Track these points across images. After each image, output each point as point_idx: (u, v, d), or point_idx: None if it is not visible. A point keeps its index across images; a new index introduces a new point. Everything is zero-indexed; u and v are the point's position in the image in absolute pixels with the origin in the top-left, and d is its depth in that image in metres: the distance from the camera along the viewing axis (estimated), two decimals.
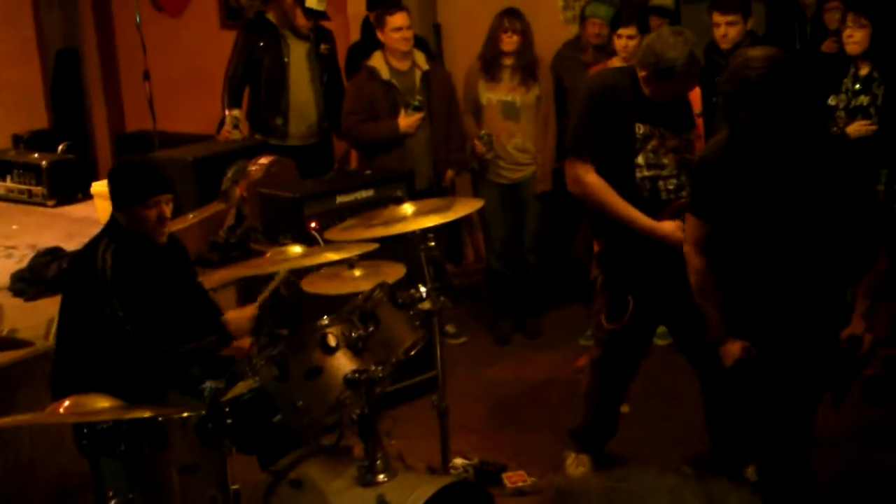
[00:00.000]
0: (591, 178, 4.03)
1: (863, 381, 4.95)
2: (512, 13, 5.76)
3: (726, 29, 5.23)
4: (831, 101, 4.97)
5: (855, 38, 4.85)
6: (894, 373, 5.02)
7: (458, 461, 4.26)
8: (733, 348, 3.41)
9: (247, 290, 5.19)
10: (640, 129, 3.99)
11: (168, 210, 3.68)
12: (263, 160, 5.64)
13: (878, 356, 4.94)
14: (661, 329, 4.89)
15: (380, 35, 5.83)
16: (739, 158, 3.34)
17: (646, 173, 4.01)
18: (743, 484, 1.11)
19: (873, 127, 4.85)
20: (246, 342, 3.79)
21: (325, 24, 6.39)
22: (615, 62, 5.45)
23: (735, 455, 4.07)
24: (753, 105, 3.17)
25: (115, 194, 3.70)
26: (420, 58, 5.90)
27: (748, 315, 3.46)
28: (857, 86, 4.93)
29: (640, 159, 4.00)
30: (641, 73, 3.94)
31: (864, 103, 4.90)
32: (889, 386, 4.97)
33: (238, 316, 3.78)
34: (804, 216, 3.31)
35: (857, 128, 4.84)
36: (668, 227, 3.92)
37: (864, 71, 4.91)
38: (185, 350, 3.64)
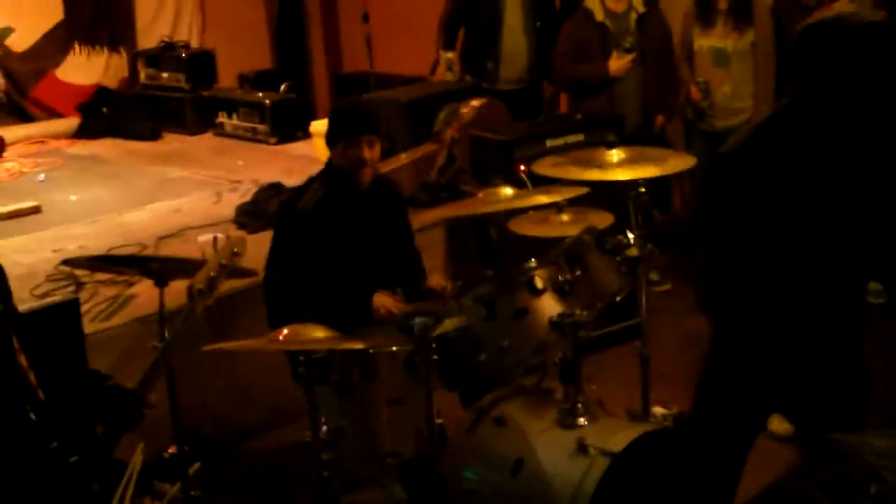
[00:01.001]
0: None
1: None
2: None
3: None
4: None
5: None
6: None
7: (659, 410, 4.21)
8: None
9: (454, 230, 5.31)
10: None
11: (371, 153, 3.77)
12: (475, 102, 5.70)
13: None
14: (877, 286, 4.68)
15: None
16: (797, 148, 2.56)
17: None
18: None
19: None
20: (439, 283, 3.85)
21: None
22: (841, 5, 5.17)
23: None
24: (848, 68, 2.51)
25: (328, 132, 3.86)
26: (637, 0, 5.80)
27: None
28: None
29: None
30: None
31: None
32: None
33: (385, 300, 3.73)
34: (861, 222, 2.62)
35: None
36: None
37: None
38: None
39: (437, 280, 3.92)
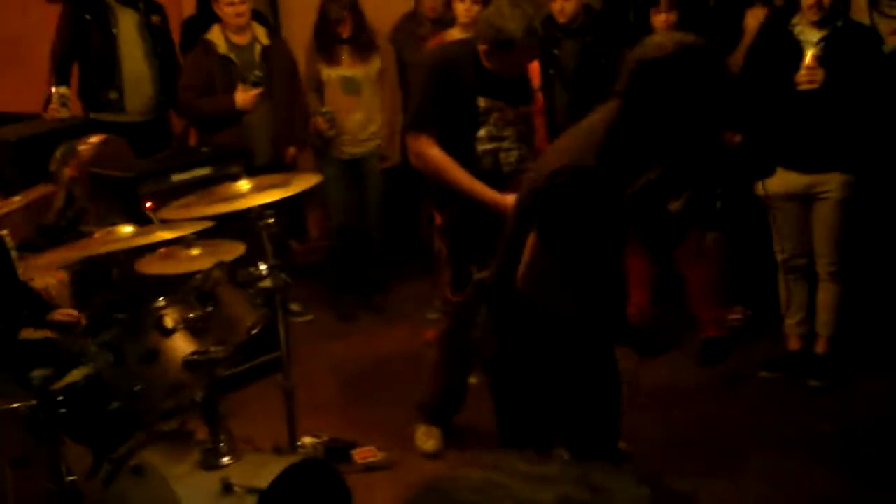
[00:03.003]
0: (434, 152, 4.01)
1: (701, 342, 5.13)
2: None
3: (563, 3, 5.22)
4: None
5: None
6: (729, 334, 5.21)
7: (307, 440, 4.20)
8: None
9: (81, 274, 5.02)
10: (483, 102, 3.99)
11: None
12: (94, 139, 5.42)
13: (712, 318, 5.13)
14: None
15: (214, 8, 5.67)
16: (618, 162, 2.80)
17: (487, 146, 4.03)
18: (623, 468, 1.04)
19: None
20: (67, 313, 3.65)
21: None
22: (453, 33, 5.42)
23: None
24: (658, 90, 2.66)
25: None
26: (261, 32, 5.76)
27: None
28: None
29: (482, 132, 4.01)
30: (481, 47, 3.93)
31: None
32: (724, 347, 5.15)
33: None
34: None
35: None
36: (512, 199, 3.94)
37: None
38: None
39: (63, 312, 3.68)
